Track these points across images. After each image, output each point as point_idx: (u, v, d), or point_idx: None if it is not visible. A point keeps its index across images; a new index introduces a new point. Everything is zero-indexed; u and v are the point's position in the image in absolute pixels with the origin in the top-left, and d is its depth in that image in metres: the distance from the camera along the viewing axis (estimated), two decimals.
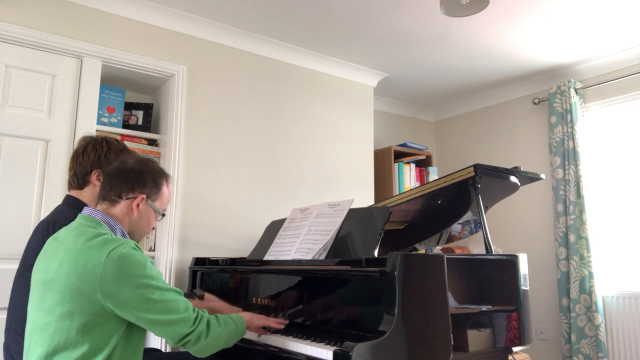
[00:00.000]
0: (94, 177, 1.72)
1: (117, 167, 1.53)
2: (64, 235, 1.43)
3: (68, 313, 1.28)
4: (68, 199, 1.73)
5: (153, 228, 1.60)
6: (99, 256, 1.30)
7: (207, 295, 2.08)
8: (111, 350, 1.30)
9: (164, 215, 1.60)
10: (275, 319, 1.78)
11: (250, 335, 1.77)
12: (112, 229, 1.46)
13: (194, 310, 1.43)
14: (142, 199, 1.51)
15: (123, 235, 1.49)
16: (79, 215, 1.48)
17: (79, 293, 1.28)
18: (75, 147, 1.82)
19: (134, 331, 1.39)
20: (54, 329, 1.28)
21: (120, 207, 1.49)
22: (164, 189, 1.58)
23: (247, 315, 1.68)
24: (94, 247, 1.32)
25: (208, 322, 1.45)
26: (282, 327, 1.76)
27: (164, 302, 1.35)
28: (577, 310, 3.30)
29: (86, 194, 1.73)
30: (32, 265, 1.58)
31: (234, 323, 1.55)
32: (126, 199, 1.49)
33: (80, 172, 1.73)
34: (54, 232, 1.57)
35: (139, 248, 1.39)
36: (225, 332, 1.50)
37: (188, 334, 1.39)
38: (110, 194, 1.50)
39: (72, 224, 1.46)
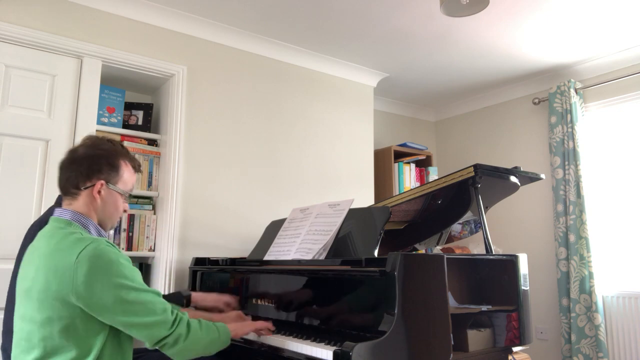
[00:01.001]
0: None
1: (68, 158, 1.44)
2: (38, 240, 1.39)
3: (47, 320, 1.25)
4: (60, 199, 1.72)
5: (124, 211, 1.53)
6: (70, 258, 1.25)
7: (194, 294, 2.06)
8: (99, 350, 1.27)
9: (130, 195, 1.52)
10: (263, 323, 1.75)
11: (251, 336, 1.77)
12: (85, 226, 1.40)
13: (172, 311, 1.38)
14: (102, 184, 1.42)
15: (97, 230, 1.44)
16: (51, 217, 1.43)
17: (54, 298, 1.24)
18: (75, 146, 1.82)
19: (122, 333, 1.35)
20: (38, 337, 1.26)
21: (82, 199, 1.42)
22: (123, 169, 1.48)
23: (232, 326, 1.62)
24: (64, 250, 1.28)
25: (188, 325, 1.40)
26: (270, 333, 1.74)
27: (140, 304, 1.30)
28: (577, 310, 3.30)
29: None
30: None
31: (217, 332, 1.50)
32: (84, 188, 1.41)
33: None
34: None
35: (112, 245, 1.34)
36: (206, 338, 1.45)
37: (165, 337, 1.34)
38: (68, 187, 1.42)
39: (46, 227, 1.41)
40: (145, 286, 1.35)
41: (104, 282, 1.25)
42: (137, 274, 1.35)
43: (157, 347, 1.36)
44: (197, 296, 2.05)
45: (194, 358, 1.43)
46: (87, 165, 1.42)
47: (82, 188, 1.42)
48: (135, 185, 2.75)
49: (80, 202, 1.42)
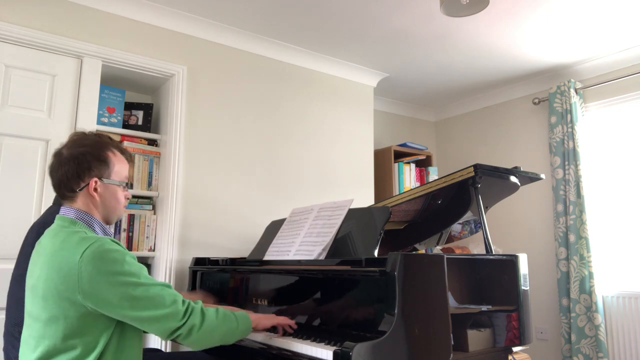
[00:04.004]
0: None
1: (55, 162, 1.41)
2: (44, 238, 1.39)
3: (53, 318, 1.25)
4: (59, 199, 1.72)
5: (127, 199, 1.50)
6: (74, 257, 1.25)
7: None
8: (101, 350, 1.26)
9: (127, 183, 1.49)
10: (286, 318, 1.71)
11: (254, 336, 1.76)
12: (89, 224, 1.39)
13: (183, 302, 1.36)
14: (96, 182, 1.39)
15: (102, 228, 1.42)
16: (57, 216, 1.42)
17: (60, 297, 1.24)
18: None
19: (127, 331, 1.34)
20: (42, 335, 1.26)
21: (81, 200, 1.39)
22: (112, 159, 1.43)
23: (253, 316, 1.60)
24: (68, 249, 1.27)
25: (203, 314, 1.38)
26: (291, 331, 1.71)
27: (148, 299, 1.28)
28: (577, 310, 3.29)
29: None
30: (25, 268, 1.57)
31: (236, 320, 1.48)
32: (79, 190, 1.39)
33: None
34: None
35: (117, 243, 1.32)
36: (223, 327, 1.43)
37: (178, 328, 1.32)
38: (63, 192, 1.40)
39: (52, 225, 1.41)
40: (152, 280, 1.33)
41: (110, 280, 1.24)
42: (143, 269, 1.34)
43: (171, 339, 1.36)
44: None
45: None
46: (74, 165, 1.38)
47: (77, 190, 1.39)
48: (136, 186, 2.75)
49: (79, 203, 1.41)
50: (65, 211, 1.40)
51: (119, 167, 1.46)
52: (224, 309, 1.50)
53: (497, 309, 1.87)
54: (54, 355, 1.25)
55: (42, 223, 1.60)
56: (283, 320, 1.70)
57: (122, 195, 1.47)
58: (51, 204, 1.74)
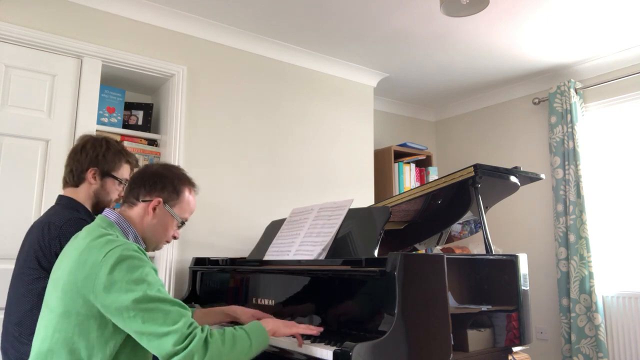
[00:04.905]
0: (90, 175, 1.70)
1: (140, 171, 1.53)
2: (80, 233, 1.41)
3: (66, 313, 1.25)
4: (61, 199, 1.71)
5: (174, 237, 1.53)
6: (97, 256, 1.26)
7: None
8: (111, 352, 1.25)
9: (183, 223, 1.53)
10: (308, 327, 1.59)
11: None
12: (125, 231, 1.42)
13: (189, 326, 1.25)
14: (159, 202, 1.47)
15: (136, 240, 1.44)
16: (98, 215, 1.46)
17: (77, 292, 1.25)
18: (74, 144, 1.81)
19: (139, 347, 1.30)
20: (55, 327, 1.26)
21: (137, 210, 1.47)
22: (185, 195, 1.52)
23: (269, 325, 1.48)
24: (96, 247, 1.29)
25: (206, 343, 1.25)
26: (315, 332, 1.60)
27: (153, 312, 1.22)
28: (577, 310, 3.29)
29: (81, 192, 1.71)
30: (26, 267, 1.57)
31: (248, 338, 1.36)
32: (142, 201, 1.47)
33: (76, 169, 1.71)
34: (49, 233, 1.56)
35: (143, 252, 1.32)
36: (233, 352, 1.30)
37: (176, 353, 1.21)
38: (129, 196, 1.49)
39: (91, 223, 1.44)
40: (167, 296, 1.28)
41: (123, 285, 1.23)
42: (161, 284, 1.30)
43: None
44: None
45: None
46: (153, 180, 1.48)
47: (140, 200, 1.47)
48: None
49: (134, 212, 1.46)
50: (108, 213, 1.45)
51: (186, 206, 1.53)
52: (233, 329, 1.37)
53: (497, 309, 1.87)
54: (59, 350, 1.25)
55: (46, 222, 1.59)
56: (304, 329, 1.59)
57: (172, 229, 1.52)
58: (54, 204, 1.74)
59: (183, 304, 1.30)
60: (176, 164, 2.75)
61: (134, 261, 1.26)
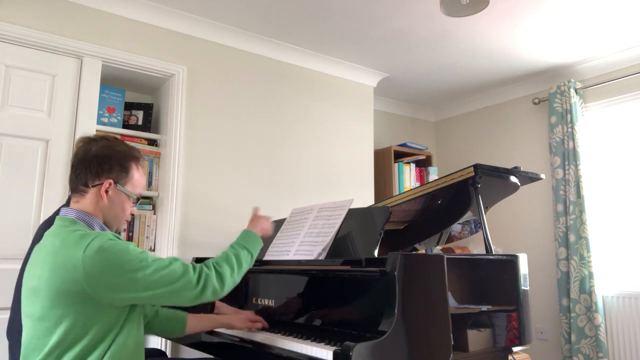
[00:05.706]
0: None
1: (81, 155, 1.44)
2: (44, 239, 1.40)
3: (62, 315, 1.25)
4: (70, 199, 1.72)
5: (132, 215, 1.53)
6: (77, 253, 1.26)
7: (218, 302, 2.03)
8: (108, 345, 1.28)
9: (138, 199, 1.53)
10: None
11: (253, 336, 1.76)
12: (89, 225, 1.40)
13: (194, 269, 1.39)
14: (110, 184, 1.42)
15: (102, 228, 1.43)
16: (57, 217, 1.44)
17: (68, 295, 1.25)
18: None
19: (132, 329, 1.35)
20: (48, 334, 1.26)
21: (90, 197, 1.42)
22: (133, 171, 1.48)
23: (257, 227, 1.79)
24: (69, 246, 1.28)
25: (217, 273, 1.43)
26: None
27: (158, 277, 1.31)
28: (577, 310, 3.29)
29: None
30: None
31: (249, 252, 1.60)
32: (92, 186, 1.42)
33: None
34: None
35: (117, 237, 1.35)
36: (241, 270, 1.53)
37: (199, 294, 1.37)
38: (77, 184, 1.43)
39: (52, 227, 1.42)
40: (159, 258, 1.35)
41: (117, 272, 1.27)
42: (147, 253, 1.36)
43: (199, 303, 1.41)
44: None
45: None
46: (98, 163, 1.42)
47: (90, 185, 1.42)
48: None
49: (87, 201, 1.43)
50: (66, 212, 1.42)
51: (136, 182, 1.50)
52: (232, 248, 1.58)
53: (497, 309, 1.87)
54: (61, 352, 1.26)
55: (51, 221, 1.60)
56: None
57: (129, 207, 1.50)
58: (64, 203, 1.73)
59: (175, 257, 1.41)
60: (176, 164, 2.75)
61: (116, 245, 1.29)
